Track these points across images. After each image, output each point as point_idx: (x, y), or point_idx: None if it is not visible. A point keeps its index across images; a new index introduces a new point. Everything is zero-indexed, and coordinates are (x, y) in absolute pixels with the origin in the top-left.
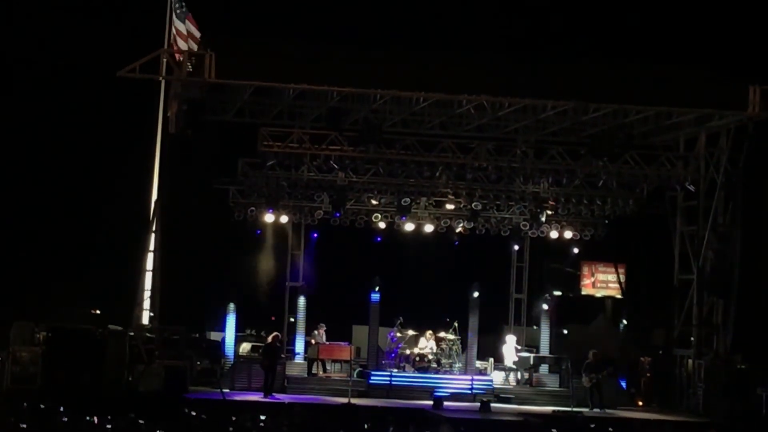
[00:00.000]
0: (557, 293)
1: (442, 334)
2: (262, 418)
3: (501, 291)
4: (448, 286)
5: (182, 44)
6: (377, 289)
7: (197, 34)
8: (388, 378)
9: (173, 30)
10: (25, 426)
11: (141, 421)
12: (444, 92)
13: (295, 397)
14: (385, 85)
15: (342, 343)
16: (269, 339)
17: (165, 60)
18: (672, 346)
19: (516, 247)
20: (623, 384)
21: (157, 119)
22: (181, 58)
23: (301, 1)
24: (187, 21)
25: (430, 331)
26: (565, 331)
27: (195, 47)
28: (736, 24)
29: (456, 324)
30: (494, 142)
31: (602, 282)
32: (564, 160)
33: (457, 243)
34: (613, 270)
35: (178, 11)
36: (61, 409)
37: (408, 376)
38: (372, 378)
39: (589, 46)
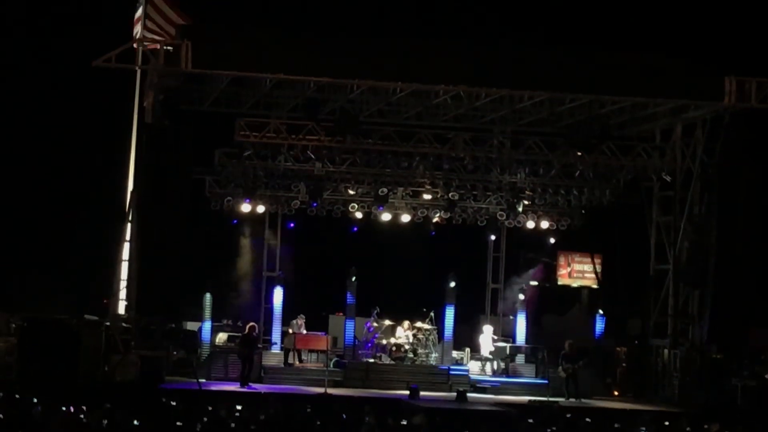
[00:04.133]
0: (533, 283)
1: (418, 324)
2: (239, 407)
3: (477, 281)
4: (424, 276)
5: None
6: (354, 279)
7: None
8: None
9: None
10: (0, 416)
11: (117, 412)
12: (421, 82)
13: (272, 387)
14: (361, 75)
15: (318, 333)
16: (246, 329)
17: (141, 50)
18: (648, 336)
19: (492, 237)
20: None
21: (133, 109)
22: (158, 48)
23: None
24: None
25: (407, 321)
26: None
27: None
28: (712, 14)
29: (432, 314)
30: (471, 132)
31: (578, 272)
32: (541, 151)
33: (433, 233)
34: (590, 260)
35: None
36: (36, 399)
37: None
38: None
39: (565, 36)
